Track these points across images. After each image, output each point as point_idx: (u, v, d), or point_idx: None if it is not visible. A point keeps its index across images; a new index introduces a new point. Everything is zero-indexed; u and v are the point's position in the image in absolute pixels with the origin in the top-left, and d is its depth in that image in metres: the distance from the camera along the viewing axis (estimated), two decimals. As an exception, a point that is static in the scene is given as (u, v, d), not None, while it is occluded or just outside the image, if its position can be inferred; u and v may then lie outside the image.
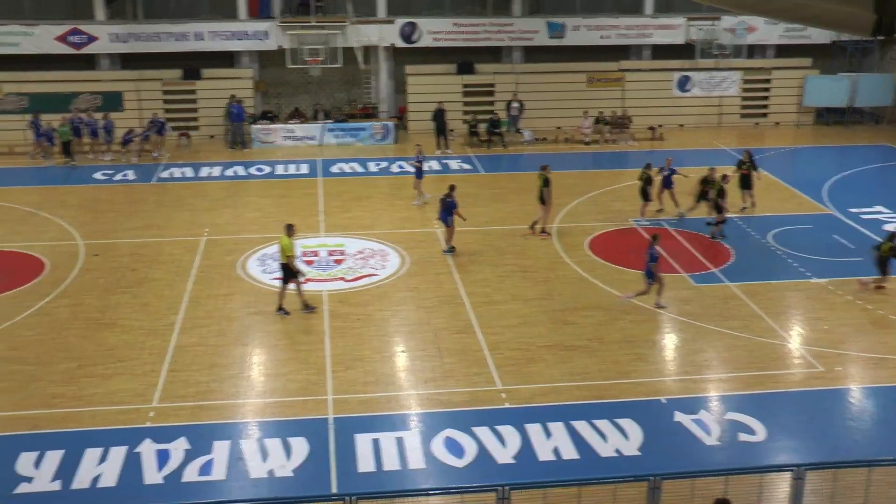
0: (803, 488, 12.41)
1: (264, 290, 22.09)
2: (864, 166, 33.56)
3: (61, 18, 36.70)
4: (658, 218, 27.07)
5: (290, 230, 20.60)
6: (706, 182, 26.09)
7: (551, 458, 15.29)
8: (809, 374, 18.13)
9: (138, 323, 20.42)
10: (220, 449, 15.53)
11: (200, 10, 37.83)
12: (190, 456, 15.33)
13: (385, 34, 37.77)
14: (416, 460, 15.26)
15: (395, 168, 33.02)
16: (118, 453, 15.36)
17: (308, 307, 20.81)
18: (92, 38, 36.45)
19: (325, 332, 19.93)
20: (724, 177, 25.87)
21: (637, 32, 39.24)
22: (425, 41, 37.92)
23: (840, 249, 24.67)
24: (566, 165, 32.15)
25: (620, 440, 15.75)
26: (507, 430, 16.00)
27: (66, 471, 14.93)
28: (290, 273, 20.64)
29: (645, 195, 26.87)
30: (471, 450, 15.52)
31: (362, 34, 37.34)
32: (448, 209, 24.26)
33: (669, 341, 19.71)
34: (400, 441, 15.76)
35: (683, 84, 39.32)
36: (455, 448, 15.59)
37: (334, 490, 14.40)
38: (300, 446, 15.59)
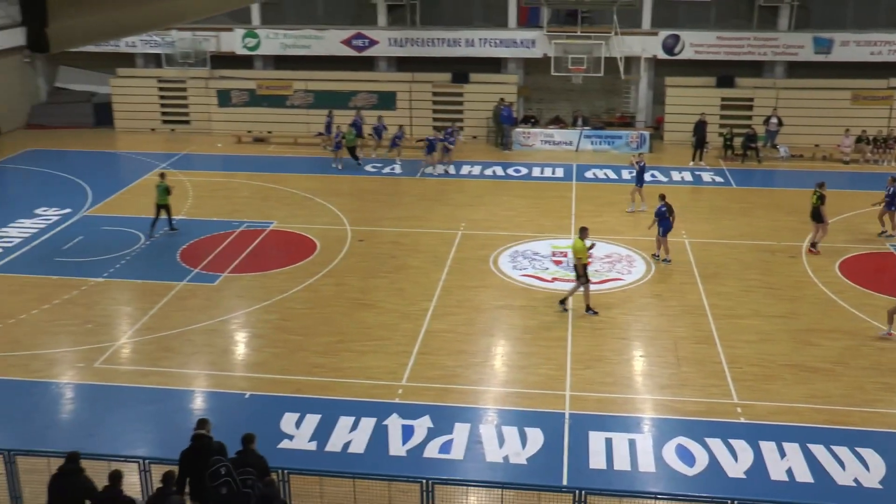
0: None
1: (513, 286, 22.39)
2: None
3: (348, 24, 38.76)
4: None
5: (583, 233, 20.63)
6: None
7: (783, 478, 14.59)
8: None
9: (394, 306, 21.24)
10: (461, 431, 15.91)
11: (473, 19, 38.75)
12: (432, 434, 15.80)
13: (648, 45, 37.21)
14: (646, 463, 15.02)
15: (647, 176, 32.43)
16: (368, 424, 16.08)
17: (590, 309, 20.69)
18: (373, 42, 38.26)
19: (569, 330, 19.94)
20: None
21: (912, 49, 36.47)
22: (687, 53, 37.01)
23: None
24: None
25: (860, 470, 14.77)
26: (741, 445, 15.42)
27: (322, 434, 15.82)
28: (585, 273, 20.63)
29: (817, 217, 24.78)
30: (702, 460, 15.09)
31: (625, 45, 36.95)
32: (661, 218, 23.75)
33: (922, 373, 18.28)
34: (632, 443, 15.56)
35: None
36: (686, 456, 15.20)
37: (565, 482, 14.42)
38: (535, 437, 15.71)
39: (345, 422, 16.17)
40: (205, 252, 24.75)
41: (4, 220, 27.46)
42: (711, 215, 27.84)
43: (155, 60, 40.52)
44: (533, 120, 38.15)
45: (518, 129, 36.74)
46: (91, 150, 36.70)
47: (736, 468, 14.86)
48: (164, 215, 25.99)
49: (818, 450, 15.27)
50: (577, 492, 12.03)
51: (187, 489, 12.77)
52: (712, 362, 18.45)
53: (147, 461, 13.34)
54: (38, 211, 28.37)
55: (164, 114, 40.10)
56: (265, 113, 38.86)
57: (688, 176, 32.47)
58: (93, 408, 16.97)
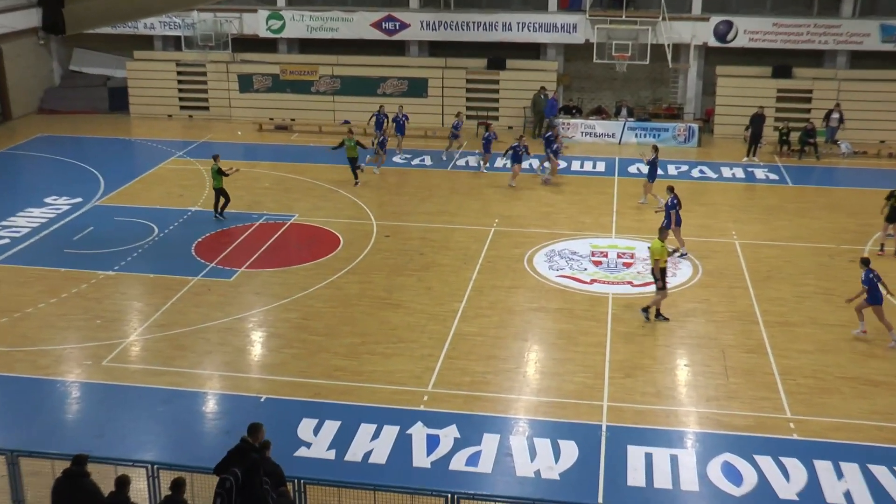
0: None
1: (548, 287, 22.22)
2: None
3: (378, 6, 38.73)
4: None
5: (662, 234, 20.40)
6: None
7: (840, 501, 14.32)
8: None
9: (421, 306, 21.15)
10: (489, 442, 15.79)
11: (510, 1, 38.59)
12: (459, 445, 15.69)
13: (698, 32, 36.82)
14: (689, 481, 14.80)
15: (695, 173, 32.15)
16: (390, 432, 16.00)
17: (660, 315, 20.49)
18: (404, 25, 38.19)
19: (607, 336, 19.75)
20: None
21: None
22: (741, 41, 36.58)
23: None
24: (885, 183, 29.93)
25: (926, 493, 14.48)
26: (793, 464, 15.15)
27: (342, 442, 15.75)
28: (664, 276, 20.28)
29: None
30: (750, 478, 14.84)
31: (674, 31, 36.61)
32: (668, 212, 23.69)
33: None
34: (674, 459, 15.34)
35: None
36: (733, 474, 14.96)
37: (600, 500, 14.26)
38: (570, 450, 15.55)
39: (366, 429, 16.10)
40: (221, 246, 24.79)
41: (13, 209, 27.69)
42: (765, 215, 27.48)
43: (174, 43, 40.72)
44: (574, 110, 37.91)
45: (558, 120, 36.51)
46: (105, 136, 36.95)
47: (788, 489, 14.60)
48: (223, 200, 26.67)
49: (880, 471, 14.96)
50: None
51: None
52: (763, 373, 18.17)
53: (156, 466, 13.33)
54: (48, 199, 28.57)
55: (181, 99, 40.29)
56: (289, 99, 38.92)
57: (740, 172, 32.11)
58: (100, 408, 17.02)
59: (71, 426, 16.62)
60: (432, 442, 15.75)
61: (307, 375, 18.03)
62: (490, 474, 14.98)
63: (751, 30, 36.45)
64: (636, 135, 36.18)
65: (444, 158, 33.35)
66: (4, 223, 26.49)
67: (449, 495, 12.60)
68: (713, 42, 36.91)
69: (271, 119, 38.67)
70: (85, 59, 41.99)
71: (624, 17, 36.35)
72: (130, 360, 18.72)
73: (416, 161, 33.42)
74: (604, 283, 22.41)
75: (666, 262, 20.42)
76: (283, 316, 20.73)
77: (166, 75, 40.19)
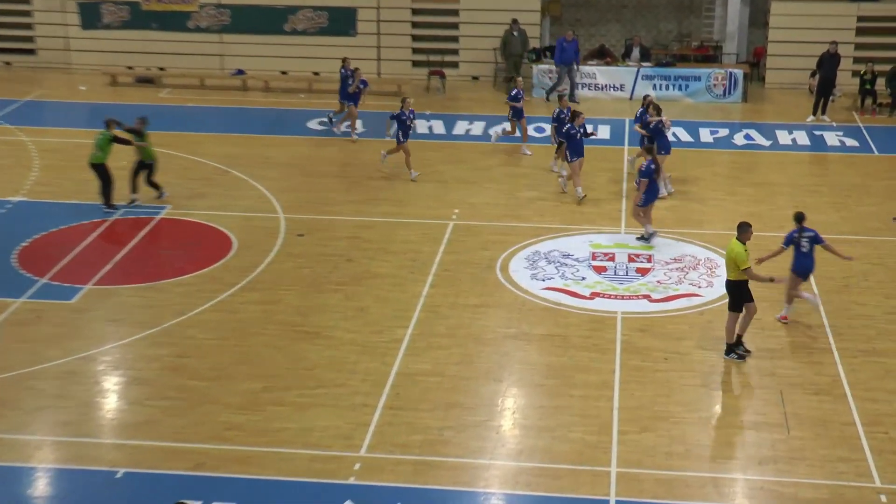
0: None
1: (531, 304, 22.35)
2: None
3: None
4: None
5: (744, 232, 20.01)
6: None
7: None
8: None
9: (350, 335, 21.18)
10: (450, 528, 15.88)
11: None
12: (406, 534, 15.76)
13: (743, -63, 37.37)
14: (735, 579, 14.99)
15: (738, 139, 32.48)
16: (308, 517, 16.02)
17: (742, 346, 20.37)
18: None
19: (615, 372, 19.87)
20: None
21: None
22: (803, -50, 37.12)
23: None
24: None
25: None
26: (883, 552, 15.42)
27: (237, 533, 15.74)
28: (743, 296, 20.09)
29: None
30: (823, 574, 15.06)
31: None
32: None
33: None
34: (714, 547, 15.54)
35: None
36: (798, 568, 15.18)
37: None
38: (566, 538, 15.68)
39: (272, 514, 16.10)
40: (57, 252, 24.68)
41: None
42: (841, 198, 27.81)
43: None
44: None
45: (542, 67, 36.63)
46: None
47: (875, 587, 14.84)
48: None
49: None
50: None
51: None
52: (840, 423, 18.35)
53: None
54: None
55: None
56: (155, 39, 38.95)
57: (803, 137, 32.49)
58: None
59: None
60: (367, 530, 15.82)
61: (185, 438, 17.92)
62: (451, 575, 15.08)
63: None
64: (654, 86, 36.38)
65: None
66: None
67: None
68: (764, -48, 37.42)
69: (130, 68, 38.61)
70: None
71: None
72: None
73: (344, 126, 33.41)
74: (610, 297, 22.57)
75: (750, 269, 19.98)
76: (149, 353, 20.63)
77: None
